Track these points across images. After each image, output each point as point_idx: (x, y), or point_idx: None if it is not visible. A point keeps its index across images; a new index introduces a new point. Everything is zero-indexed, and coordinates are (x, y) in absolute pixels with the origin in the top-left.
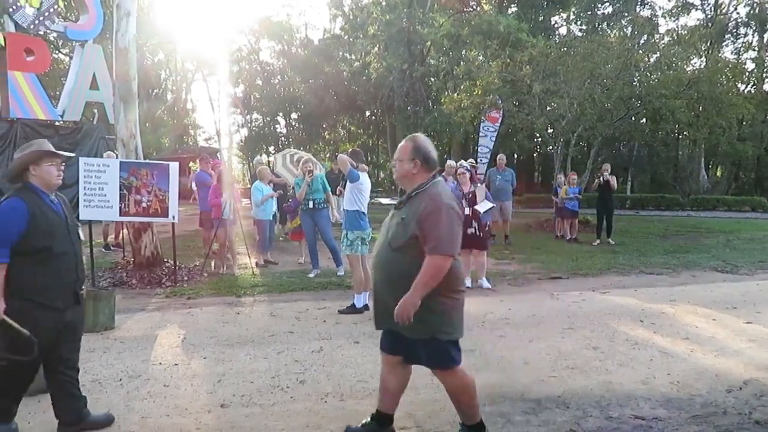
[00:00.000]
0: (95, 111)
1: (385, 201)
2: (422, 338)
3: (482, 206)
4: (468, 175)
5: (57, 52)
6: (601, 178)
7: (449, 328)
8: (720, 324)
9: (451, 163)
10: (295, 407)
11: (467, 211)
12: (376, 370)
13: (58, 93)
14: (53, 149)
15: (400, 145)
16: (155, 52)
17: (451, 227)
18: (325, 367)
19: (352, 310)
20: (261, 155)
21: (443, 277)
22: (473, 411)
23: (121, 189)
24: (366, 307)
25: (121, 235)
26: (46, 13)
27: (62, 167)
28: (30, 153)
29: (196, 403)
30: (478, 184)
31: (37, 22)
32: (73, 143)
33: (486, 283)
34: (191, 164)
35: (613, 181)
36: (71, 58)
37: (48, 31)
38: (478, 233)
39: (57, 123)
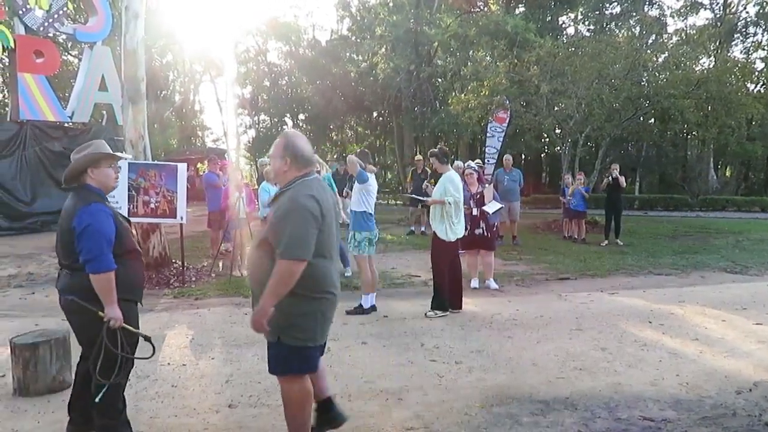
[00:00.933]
0: (104, 112)
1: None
2: (270, 340)
3: (491, 207)
4: (476, 175)
5: (66, 54)
6: (611, 177)
7: (299, 333)
8: (729, 325)
9: (458, 164)
10: None
11: (475, 211)
12: (384, 370)
13: (67, 95)
14: (111, 151)
15: (275, 141)
16: (163, 53)
17: (301, 229)
18: (332, 367)
19: (360, 310)
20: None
21: (297, 280)
22: (296, 430)
23: (129, 190)
24: (374, 308)
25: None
26: (56, 16)
27: (119, 170)
28: (91, 155)
29: (204, 404)
30: (486, 185)
31: (46, 24)
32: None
33: (494, 284)
34: (199, 165)
35: (622, 179)
36: (80, 59)
37: (57, 33)
38: (485, 234)
39: (66, 124)
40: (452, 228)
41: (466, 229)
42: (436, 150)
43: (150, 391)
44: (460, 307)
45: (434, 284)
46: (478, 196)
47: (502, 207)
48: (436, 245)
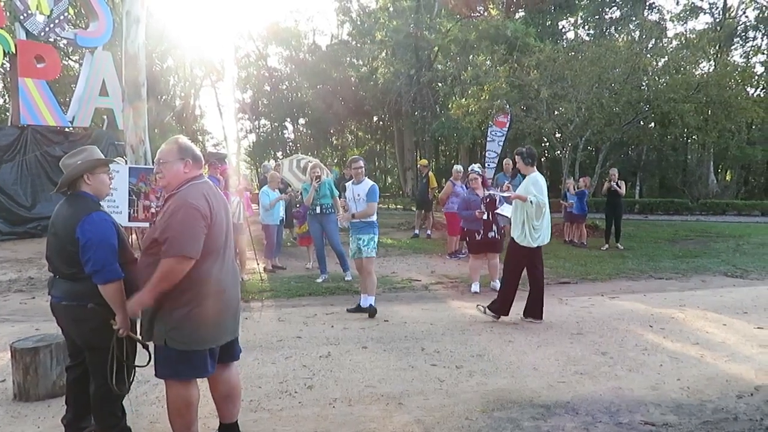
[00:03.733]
0: (105, 117)
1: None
2: (157, 344)
3: (506, 210)
4: (480, 180)
5: (67, 58)
6: (612, 185)
7: (185, 337)
8: (730, 329)
9: (458, 167)
10: (303, 412)
11: (485, 216)
12: (385, 375)
13: (68, 99)
14: (104, 157)
15: (162, 149)
16: (164, 58)
17: (187, 227)
18: (333, 372)
19: (360, 309)
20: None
21: (182, 279)
22: None
23: (130, 195)
24: (374, 309)
25: (130, 240)
26: (57, 21)
27: (113, 177)
28: (89, 161)
29: (204, 409)
30: (496, 189)
31: (47, 29)
32: None
33: (499, 286)
34: None
35: (623, 187)
36: (81, 64)
37: (58, 38)
38: (497, 236)
39: (67, 129)
40: (531, 233)
41: (479, 233)
42: (523, 149)
43: (150, 395)
44: (541, 318)
45: (500, 287)
46: (488, 199)
47: None
48: (510, 249)
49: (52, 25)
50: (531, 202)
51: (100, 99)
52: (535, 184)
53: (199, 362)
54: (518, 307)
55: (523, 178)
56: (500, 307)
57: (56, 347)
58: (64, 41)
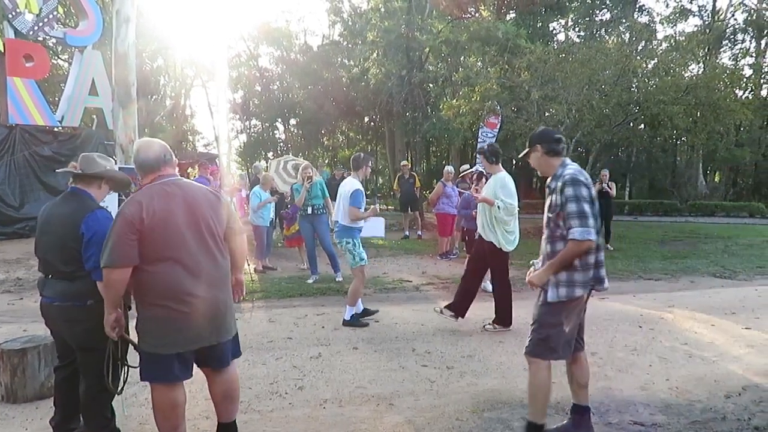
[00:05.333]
0: (94, 117)
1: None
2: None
3: None
4: (485, 180)
5: (56, 57)
6: (602, 186)
7: (148, 338)
8: (719, 330)
9: (449, 168)
10: (294, 413)
11: None
12: (375, 376)
13: (57, 99)
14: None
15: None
16: (154, 57)
17: (111, 235)
18: (323, 373)
19: (349, 323)
20: (260, 161)
21: (137, 285)
22: None
23: (119, 195)
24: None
25: None
26: (46, 19)
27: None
28: (125, 176)
29: (194, 410)
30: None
31: (36, 28)
32: (72, 149)
33: (490, 286)
34: (189, 170)
35: (613, 189)
36: (70, 63)
37: (47, 37)
38: None
39: (56, 129)
40: (505, 236)
41: (476, 232)
42: (485, 147)
43: (140, 397)
44: (464, 316)
45: (498, 299)
46: None
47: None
48: (493, 255)
49: (41, 24)
50: (498, 207)
51: (90, 98)
52: (504, 187)
53: (166, 366)
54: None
55: (503, 179)
56: (506, 317)
57: (44, 348)
58: (54, 40)
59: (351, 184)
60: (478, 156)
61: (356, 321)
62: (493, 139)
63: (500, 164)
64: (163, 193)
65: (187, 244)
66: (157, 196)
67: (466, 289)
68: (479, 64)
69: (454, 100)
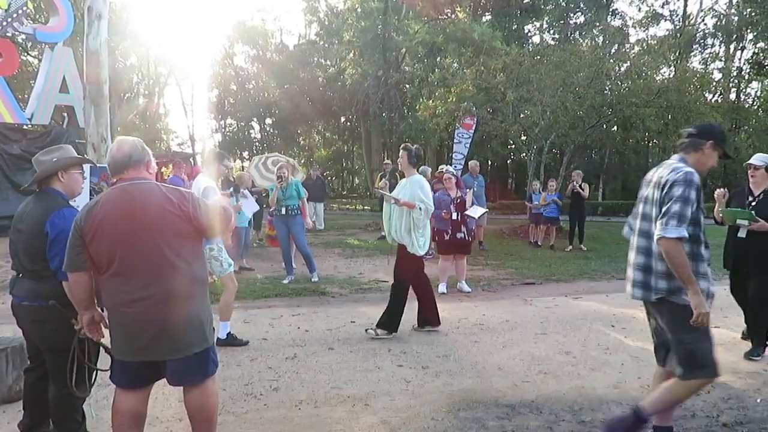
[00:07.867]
0: (65, 114)
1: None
2: None
3: (475, 211)
4: (454, 180)
5: (25, 54)
6: (574, 186)
7: (112, 341)
8: None
9: (425, 169)
10: (269, 415)
11: (454, 216)
12: (351, 376)
13: (26, 96)
14: (78, 156)
15: None
16: (127, 55)
17: (67, 241)
18: (299, 374)
19: (222, 342)
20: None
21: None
22: None
23: (91, 194)
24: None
25: None
26: (15, 15)
27: (84, 177)
28: (65, 159)
29: (167, 412)
30: (467, 191)
31: (5, 23)
32: (41, 147)
33: (466, 287)
34: (164, 169)
35: (585, 191)
36: (40, 60)
37: (16, 33)
38: (467, 237)
39: (25, 127)
40: (418, 240)
41: (447, 233)
42: (412, 147)
43: (111, 400)
44: (439, 323)
45: (392, 302)
46: (459, 200)
47: (486, 211)
48: (403, 258)
49: (9, 20)
50: (420, 209)
51: (60, 96)
52: (422, 188)
53: (116, 370)
54: (460, 313)
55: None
56: (434, 317)
57: (12, 351)
58: (23, 36)
59: (204, 181)
60: (454, 156)
61: (233, 339)
62: (469, 140)
63: (417, 168)
64: (114, 198)
65: (128, 253)
66: (107, 201)
67: (422, 294)
68: (455, 65)
69: (431, 101)
